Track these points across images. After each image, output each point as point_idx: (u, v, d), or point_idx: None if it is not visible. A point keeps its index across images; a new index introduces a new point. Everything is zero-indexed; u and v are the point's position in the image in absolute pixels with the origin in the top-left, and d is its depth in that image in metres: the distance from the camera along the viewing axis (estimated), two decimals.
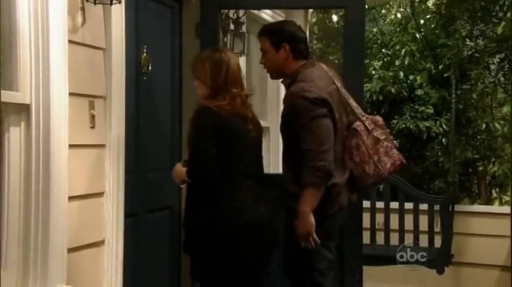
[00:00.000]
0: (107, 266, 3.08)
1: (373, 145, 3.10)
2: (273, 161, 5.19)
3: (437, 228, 5.19)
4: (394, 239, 5.17)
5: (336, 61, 7.52)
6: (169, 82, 3.93)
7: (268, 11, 4.99)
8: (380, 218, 5.29)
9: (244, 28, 4.49)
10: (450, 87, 5.91)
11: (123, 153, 3.18)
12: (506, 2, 6.22)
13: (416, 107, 6.42)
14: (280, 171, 3.24)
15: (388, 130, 3.26)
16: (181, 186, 3.07)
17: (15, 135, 2.61)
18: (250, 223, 2.94)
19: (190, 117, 3.02)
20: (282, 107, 3.22)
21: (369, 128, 3.12)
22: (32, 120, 2.62)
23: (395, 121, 6.33)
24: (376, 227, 5.29)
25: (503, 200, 6.53)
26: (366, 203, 4.99)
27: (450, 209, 5.23)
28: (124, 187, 3.18)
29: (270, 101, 5.41)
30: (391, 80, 6.46)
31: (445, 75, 6.26)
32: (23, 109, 2.62)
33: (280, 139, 3.27)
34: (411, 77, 6.50)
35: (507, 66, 6.49)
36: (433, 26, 6.71)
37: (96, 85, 3.01)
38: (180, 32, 4.01)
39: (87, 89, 2.94)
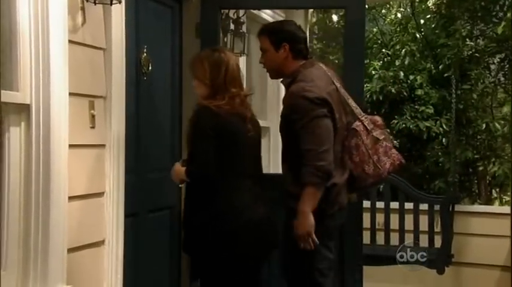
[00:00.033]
0: (107, 266, 3.07)
1: (373, 145, 3.10)
2: (273, 161, 5.19)
3: (438, 228, 5.19)
4: (394, 239, 5.17)
5: (336, 61, 7.52)
6: (169, 82, 3.93)
7: (268, 11, 4.99)
8: (380, 218, 5.29)
9: (244, 28, 4.49)
10: (450, 87, 5.91)
11: (123, 153, 3.18)
12: (507, 2, 6.23)
13: (416, 107, 6.43)
14: (280, 171, 3.24)
15: (388, 130, 3.26)
16: (180, 185, 3.06)
17: (15, 135, 2.61)
18: (249, 223, 2.93)
19: (189, 117, 3.02)
20: (282, 107, 3.21)
21: (368, 128, 3.12)
22: (32, 120, 2.62)
23: (396, 121, 6.33)
24: (377, 227, 5.29)
25: (504, 200, 6.53)
26: (366, 203, 4.99)
27: (450, 209, 5.24)
28: (124, 187, 3.18)
29: (270, 101, 5.41)
30: (391, 80, 6.47)
31: (445, 75, 6.27)
32: (23, 109, 2.62)
33: (280, 139, 3.26)
34: (411, 77, 6.51)
35: (507, 66, 6.50)
36: (433, 26, 6.71)
37: (96, 85, 3.01)
38: (180, 32, 4.01)
39: (87, 89, 2.94)
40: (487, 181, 6.64)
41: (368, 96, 6.35)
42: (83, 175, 2.92)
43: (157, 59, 3.69)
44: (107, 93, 3.07)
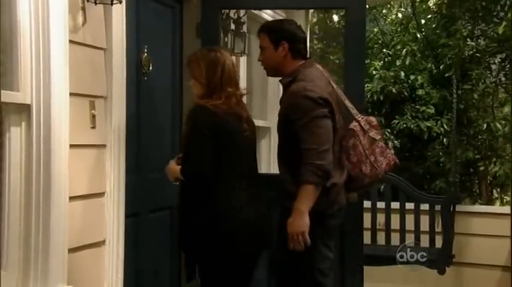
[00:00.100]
0: (107, 266, 3.08)
1: (369, 145, 3.11)
2: (274, 161, 5.18)
3: (438, 228, 5.19)
4: (395, 239, 5.17)
5: (337, 61, 7.52)
6: (170, 82, 3.93)
7: (269, 11, 4.99)
8: (381, 218, 5.29)
9: (245, 28, 4.49)
10: (451, 87, 5.90)
11: (124, 153, 3.18)
12: (507, 2, 6.22)
13: (417, 107, 6.42)
14: None
15: (389, 130, 3.27)
16: (174, 183, 3.06)
17: (15, 135, 2.61)
18: (245, 222, 2.93)
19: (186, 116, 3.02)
20: None
21: (365, 128, 3.13)
22: (33, 121, 2.62)
23: (396, 121, 6.33)
24: (377, 227, 5.29)
25: (504, 200, 6.52)
26: (367, 203, 4.97)
27: (451, 209, 5.23)
28: (125, 187, 3.18)
29: (270, 101, 5.40)
30: (392, 80, 6.46)
31: (446, 75, 6.26)
32: (24, 109, 2.62)
33: None
34: (412, 77, 6.51)
35: (508, 66, 6.49)
36: (434, 25, 6.71)
37: (97, 85, 3.01)
38: (180, 32, 4.01)
39: (87, 89, 2.94)
40: (488, 181, 6.63)
41: (369, 96, 6.34)
42: (84, 175, 2.92)
43: (157, 59, 3.69)
44: (108, 93, 3.07)
